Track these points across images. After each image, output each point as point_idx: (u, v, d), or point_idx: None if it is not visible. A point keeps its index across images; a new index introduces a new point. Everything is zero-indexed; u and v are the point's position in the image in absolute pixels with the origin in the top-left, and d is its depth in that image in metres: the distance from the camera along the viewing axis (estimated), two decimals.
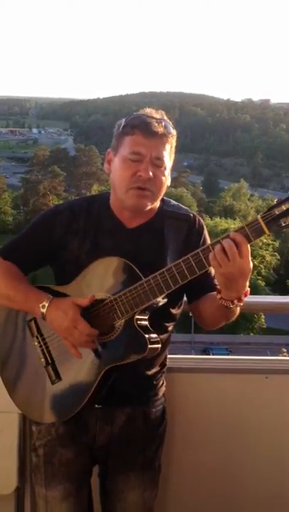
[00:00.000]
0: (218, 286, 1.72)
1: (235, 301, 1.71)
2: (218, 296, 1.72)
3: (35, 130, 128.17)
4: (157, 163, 1.78)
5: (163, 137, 1.78)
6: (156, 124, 1.77)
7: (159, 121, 1.79)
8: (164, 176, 1.81)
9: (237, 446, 2.41)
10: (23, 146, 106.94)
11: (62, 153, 71.12)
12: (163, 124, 1.79)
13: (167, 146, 1.80)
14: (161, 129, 1.77)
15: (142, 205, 1.81)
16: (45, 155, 68.39)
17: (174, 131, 1.82)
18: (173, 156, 1.85)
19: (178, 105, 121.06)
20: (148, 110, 1.84)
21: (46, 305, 1.80)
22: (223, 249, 1.61)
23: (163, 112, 1.85)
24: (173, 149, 1.83)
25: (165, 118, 1.83)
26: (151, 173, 1.76)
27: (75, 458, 1.93)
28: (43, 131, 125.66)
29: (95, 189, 51.72)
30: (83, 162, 62.93)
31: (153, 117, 1.79)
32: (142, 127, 1.76)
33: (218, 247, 1.62)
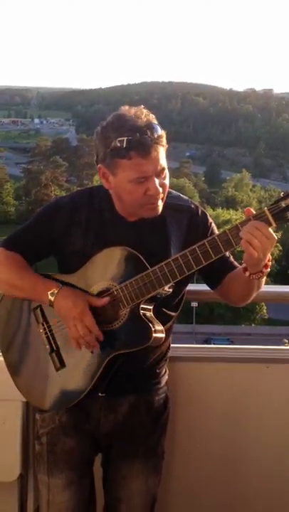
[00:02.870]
0: (244, 265, 1.74)
1: (264, 270, 1.73)
2: (247, 274, 1.74)
3: (37, 120, 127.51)
4: (160, 172, 1.75)
5: (158, 147, 1.71)
6: (149, 138, 1.68)
7: (149, 130, 1.68)
8: (167, 177, 1.79)
9: (238, 435, 2.43)
10: (24, 136, 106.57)
11: (64, 143, 71.04)
12: (152, 130, 1.69)
13: (162, 149, 1.73)
14: (154, 142, 1.69)
15: (157, 213, 1.81)
16: (47, 145, 68.34)
17: (162, 132, 1.72)
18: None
19: (180, 95, 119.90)
20: (131, 113, 1.72)
21: (55, 292, 1.81)
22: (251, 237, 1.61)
23: (143, 109, 1.75)
24: (165, 143, 1.76)
25: (146, 115, 1.72)
26: (160, 188, 1.75)
27: (78, 447, 1.95)
28: (44, 122, 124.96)
29: (97, 179, 51.38)
30: (85, 152, 62.60)
31: (141, 128, 1.68)
32: (139, 149, 1.67)
33: (247, 235, 1.62)
